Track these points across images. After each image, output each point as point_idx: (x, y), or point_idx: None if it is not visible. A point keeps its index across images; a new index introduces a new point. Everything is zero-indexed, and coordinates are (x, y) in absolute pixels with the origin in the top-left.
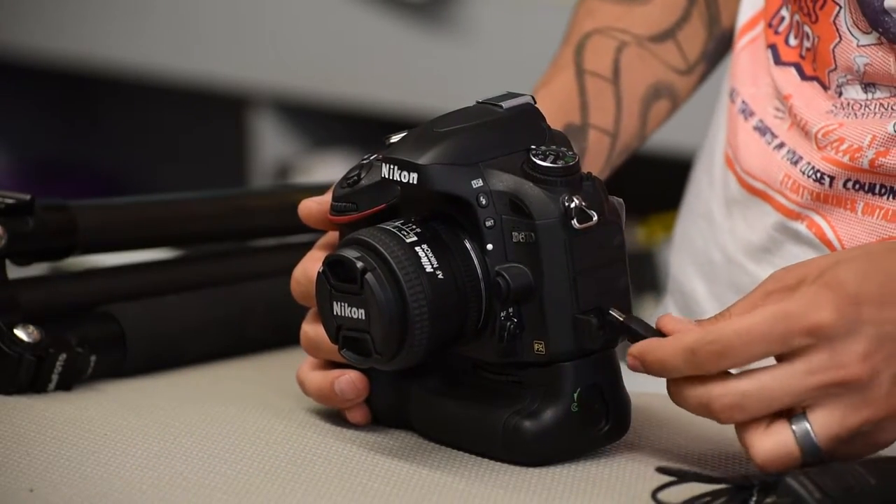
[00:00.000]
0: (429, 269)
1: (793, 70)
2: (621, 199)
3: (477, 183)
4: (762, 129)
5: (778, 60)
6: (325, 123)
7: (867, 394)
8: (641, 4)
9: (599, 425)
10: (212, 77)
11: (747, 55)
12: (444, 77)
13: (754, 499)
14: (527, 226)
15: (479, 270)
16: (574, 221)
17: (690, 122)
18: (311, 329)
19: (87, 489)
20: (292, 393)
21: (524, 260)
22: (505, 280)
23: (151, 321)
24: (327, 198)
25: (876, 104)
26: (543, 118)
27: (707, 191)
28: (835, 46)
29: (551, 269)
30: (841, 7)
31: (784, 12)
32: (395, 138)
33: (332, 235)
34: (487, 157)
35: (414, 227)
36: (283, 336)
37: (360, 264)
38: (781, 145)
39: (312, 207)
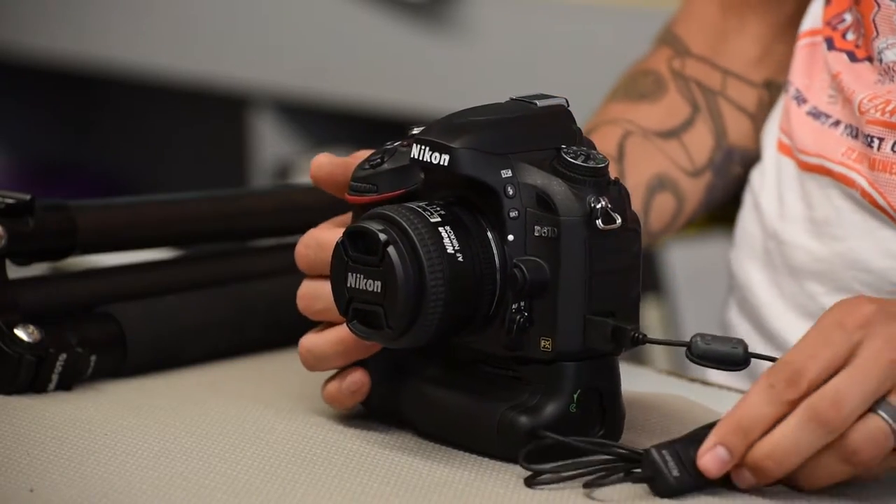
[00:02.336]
0: (450, 250)
1: (844, 55)
2: (637, 217)
3: (506, 173)
4: (816, 114)
5: (832, 47)
6: (325, 123)
7: None
8: (648, 104)
9: (594, 429)
10: (212, 77)
11: (804, 54)
12: (444, 77)
13: (620, 471)
14: (550, 221)
15: (496, 259)
16: (598, 222)
17: None
18: (310, 286)
19: (88, 489)
20: (292, 393)
21: (543, 255)
22: (522, 272)
23: (151, 321)
24: (343, 160)
25: None
26: (575, 121)
27: (758, 181)
28: (875, 16)
29: (569, 266)
30: None
31: (847, 15)
32: (418, 130)
33: (346, 216)
34: (518, 150)
35: (438, 208)
36: (283, 336)
37: (383, 236)
38: (837, 123)
39: (324, 163)
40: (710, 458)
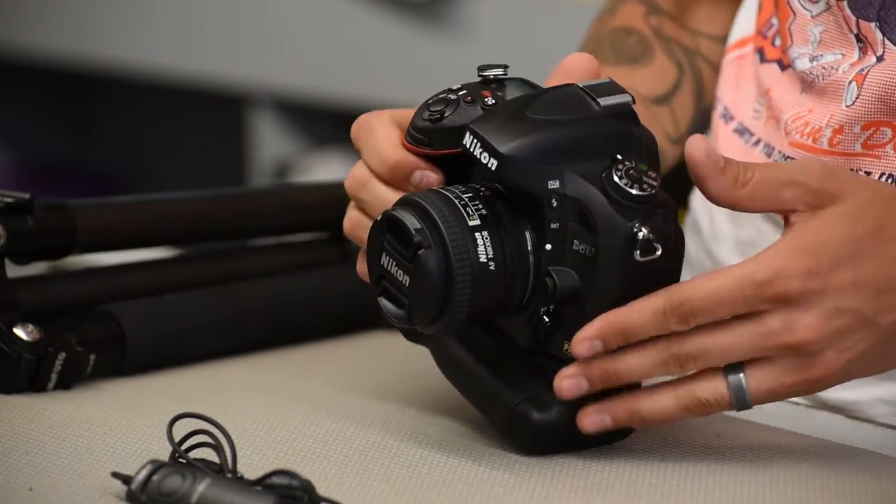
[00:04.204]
0: (483, 258)
1: (774, 65)
2: (682, 233)
3: (554, 184)
4: (741, 131)
5: (763, 59)
6: (325, 123)
7: (808, 361)
8: (641, 68)
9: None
10: (212, 77)
11: (733, 67)
12: (444, 77)
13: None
14: (590, 240)
15: (531, 264)
16: (637, 253)
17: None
18: (359, 170)
19: (87, 488)
20: (292, 392)
21: (578, 268)
22: (553, 281)
23: (151, 320)
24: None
25: (824, 69)
26: (638, 122)
27: (699, 203)
28: (791, 24)
29: (602, 286)
30: None
31: (774, 20)
32: (492, 73)
33: (405, 112)
34: (571, 159)
35: (480, 206)
36: (282, 335)
37: (417, 238)
38: (758, 142)
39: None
40: (588, 347)
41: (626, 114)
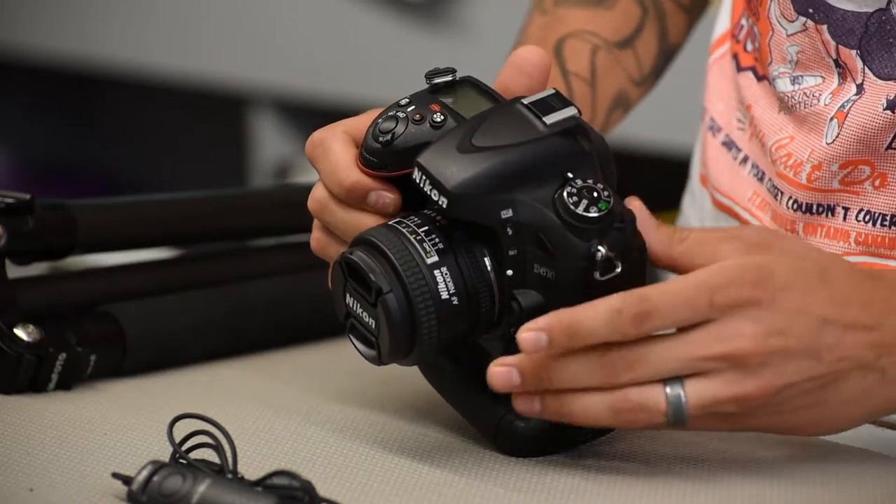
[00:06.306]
0: (444, 295)
1: (750, 74)
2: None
3: (507, 213)
4: (728, 144)
5: (739, 67)
6: (325, 123)
7: (745, 375)
8: (606, 10)
9: (587, 436)
10: (212, 77)
11: (716, 71)
12: None
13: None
14: (549, 263)
15: (495, 288)
16: (597, 273)
17: (691, 123)
18: (320, 192)
19: (88, 488)
20: (292, 392)
21: (542, 290)
22: (518, 304)
23: (151, 321)
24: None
25: (806, 96)
26: (586, 135)
27: (689, 209)
28: (770, 40)
29: (566, 304)
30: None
31: (744, 20)
32: (440, 80)
33: (358, 120)
34: (521, 185)
35: (436, 240)
36: (282, 335)
37: (376, 284)
38: (745, 159)
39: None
40: (531, 338)
41: (573, 129)
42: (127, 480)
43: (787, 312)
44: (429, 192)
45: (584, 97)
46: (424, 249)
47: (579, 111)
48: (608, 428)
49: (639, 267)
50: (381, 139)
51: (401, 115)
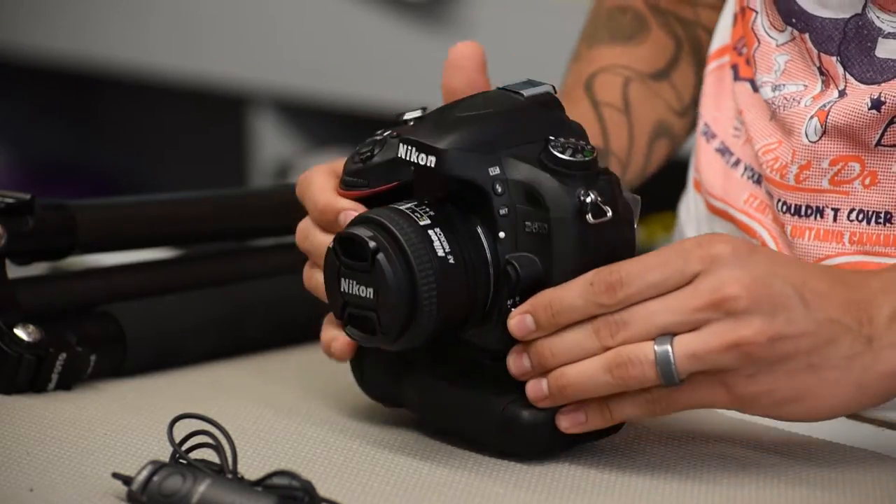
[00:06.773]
0: (440, 252)
1: (747, 84)
2: (637, 196)
3: (494, 171)
4: (722, 150)
5: (737, 77)
6: (325, 123)
7: (735, 321)
8: (636, 45)
9: None
10: (212, 77)
11: (712, 80)
12: None
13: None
14: (541, 217)
15: (489, 257)
16: (588, 216)
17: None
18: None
19: (88, 489)
20: (292, 393)
21: (535, 250)
22: (515, 269)
23: (151, 321)
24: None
25: (786, 100)
26: (563, 108)
27: (684, 214)
28: (755, 51)
29: (561, 261)
30: (757, 12)
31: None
32: (410, 115)
33: (336, 164)
34: (506, 146)
35: (427, 209)
36: (282, 335)
37: (372, 244)
38: (738, 162)
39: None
40: (518, 321)
41: (550, 102)
42: (127, 480)
43: (767, 263)
44: (416, 160)
45: (619, 126)
46: (416, 215)
47: (555, 89)
48: (608, 428)
49: (627, 220)
50: (360, 157)
51: (378, 138)
